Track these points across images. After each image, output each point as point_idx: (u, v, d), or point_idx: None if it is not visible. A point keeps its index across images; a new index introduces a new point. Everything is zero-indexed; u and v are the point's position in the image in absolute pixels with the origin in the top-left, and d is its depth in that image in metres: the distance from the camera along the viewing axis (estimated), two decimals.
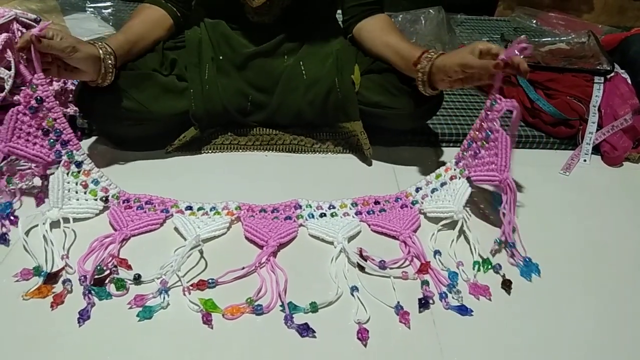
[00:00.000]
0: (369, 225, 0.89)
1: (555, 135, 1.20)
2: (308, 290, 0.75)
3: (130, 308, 0.71)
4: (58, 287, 0.73)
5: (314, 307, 0.72)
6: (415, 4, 1.67)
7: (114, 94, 0.95)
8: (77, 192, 0.88)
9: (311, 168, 1.06)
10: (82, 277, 0.74)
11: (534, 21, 1.90)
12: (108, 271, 0.75)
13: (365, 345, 0.68)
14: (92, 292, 0.72)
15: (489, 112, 0.89)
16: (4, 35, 0.92)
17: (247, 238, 0.85)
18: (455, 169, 0.95)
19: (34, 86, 0.84)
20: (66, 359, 0.64)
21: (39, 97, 0.85)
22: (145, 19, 1.04)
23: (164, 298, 0.72)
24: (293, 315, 0.70)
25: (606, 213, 0.98)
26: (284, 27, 1.08)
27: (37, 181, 0.92)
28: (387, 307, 0.73)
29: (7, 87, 0.92)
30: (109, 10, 1.75)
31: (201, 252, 0.80)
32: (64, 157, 0.89)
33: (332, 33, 1.12)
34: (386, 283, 0.77)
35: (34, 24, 1.01)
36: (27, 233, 0.81)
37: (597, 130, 1.17)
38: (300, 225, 0.88)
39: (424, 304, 0.73)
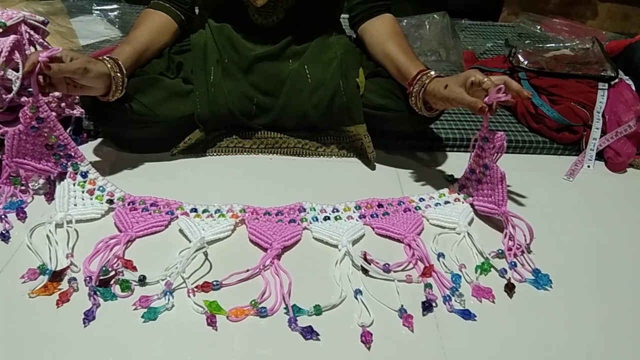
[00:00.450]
0: (373, 229, 0.89)
1: (559, 141, 1.20)
2: (312, 293, 0.75)
3: (135, 309, 0.71)
4: (64, 285, 0.73)
5: (317, 310, 0.72)
6: (420, 9, 1.68)
7: (121, 96, 0.96)
8: (83, 199, 0.90)
9: (315, 171, 1.07)
10: (88, 278, 0.74)
11: (538, 27, 1.91)
12: (113, 272, 0.76)
13: (368, 349, 0.68)
14: (98, 293, 0.72)
15: (482, 147, 0.90)
16: (12, 37, 0.92)
17: (251, 241, 0.85)
18: (459, 194, 0.97)
19: (34, 108, 0.84)
20: (71, 359, 0.64)
21: (39, 118, 0.85)
22: (151, 27, 1.04)
23: (169, 299, 0.72)
24: (297, 318, 0.71)
25: (610, 219, 0.98)
26: (288, 30, 1.09)
27: (42, 180, 0.93)
28: (391, 310, 0.73)
29: (15, 88, 0.92)
30: (115, 13, 1.76)
31: (206, 254, 0.80)
32: (70, 169, 0.91)
33: (336, 36, 1.12)
34: (390, 286, 0.77)
35: (42, 26, 1.02)
36: (31, 233, 0.81)
37: (601, 136, 1.17)
38: (305, 228, 0.88)
39: (427, 307, 0.74)
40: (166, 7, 1.07)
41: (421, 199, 0.97)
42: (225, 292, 0.75)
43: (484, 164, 0.91)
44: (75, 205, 0.88)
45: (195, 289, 0.74)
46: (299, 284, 0.76)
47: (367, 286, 0.77)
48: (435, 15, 1.61)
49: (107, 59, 0.91)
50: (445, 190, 0.99)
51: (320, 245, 0.86)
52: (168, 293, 0.73)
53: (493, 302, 0.76)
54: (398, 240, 0.87)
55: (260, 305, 0.72)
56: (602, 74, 1.26)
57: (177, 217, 0.88)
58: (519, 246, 0.85)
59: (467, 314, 0.74)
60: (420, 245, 0.84)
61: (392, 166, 1.09)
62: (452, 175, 1.06)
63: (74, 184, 0.91)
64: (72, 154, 0.91)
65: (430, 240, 0.87)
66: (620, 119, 1.18)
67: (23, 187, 0.91)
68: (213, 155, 1.09)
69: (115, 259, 0.78)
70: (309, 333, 0.69)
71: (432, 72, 0.95)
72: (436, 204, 0.96)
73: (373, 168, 1.09)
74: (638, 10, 2.16)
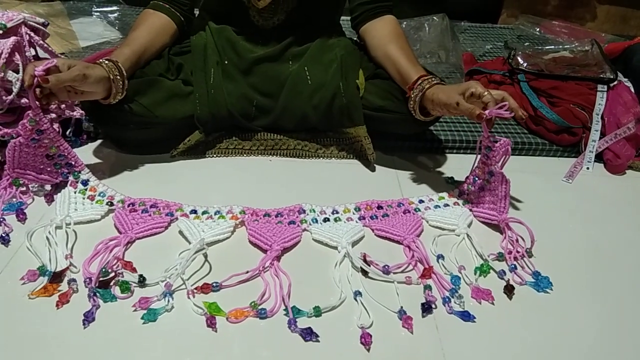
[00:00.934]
0: (373, 230, 0.89)
1: (558, 143, 1.20)
2: (312, 294, 0.75)
3: (135, 310, 0.71)
4: (63, 287, 0.73)
5: (317, 312, 0.72)
6: (419, 11, 1.68)
7: (121, 98, 0.96)
8: (83, 205, 0.90)
9: (315, 173, 1.07)
10: (87, 280, 0.74)
11: (538, 29, 1.91)
12: (113, 274, 0.76)
13: (368, 350, 0.68)
14: (97, 294, 0.72)
15: (487, 155, 0.91)
16: (13, 38, 0.92)
17: (251, 242, 0.85)
18: (458, 199, 0.98)
19: (33, 121, 0.84)
20: None
21: (39, 130, 0.86)
22: (150, 28, 1.04)
23: (169, 301, 0.72)
24: (296, 319, 0.71)
25: (609, 221, 0.99)
26: (289, 32, 1.09)
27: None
28: (391, 311, 0.73)
29: (15, 90, 0.93)
30: (115, 15, 1.76)
31: (205, 255, 0.80)
32: (71, 178, 0.92)
33: (336, 38, 1.12)
34: (389, 288, 0.77)
35: (42, 27, 1.02)
36: (30, 234, 0.81)
37: (600, 138, 1.17)
38: (304, 229, 0.88)
39: (426, 308, 0.74)
40: (165, 8, 1.07)
41: (421, 201, 0.97)
42: (225, 293, 0.75)
43: (489, 171, 0.91)
44: (76, 209, 0.89)
45: (195, 291, 0.74)
46: (298, 285, 0.76)
47: (366, 288, 0.77)
48: (434, 17, 1.61)
49: (106, 61, 0.91)
50: (445, 194, 1.00)
51: (319, 246, 0.86)
52: (168, 294, 0.73)
53: (492, 303, 0.77)
54: (397, 242, 0.87)
55: (259, 307, 0.72)
56: (601, 76, 1.26)
57: (176, 219, 0.88)
58: (518, 251, 0.85)
59: (466, 316, 0.74)
60: (419, 246, 0.85)
61: (391, 168, 1.10)
62: (452, 178, 1.06)
63: (75, 192, 0.91)
64: (73, 162, 0.92)
65: (430, 242, 0.87)
66: (620, 121, 1.18)
67: (23, 189, 0.91)
68: (213, 156, 1.09)
69: (115, 261, 0.78)
70: (308, 334, 0.69)
71: (433, 78, 0.95)
72: (435, 206, 0.96)
73: (373, 170, 1.09)
74: (637, 13, 2.17)
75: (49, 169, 0.91)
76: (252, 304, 0.72)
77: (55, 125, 0.96)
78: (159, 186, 0.97)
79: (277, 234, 0.85)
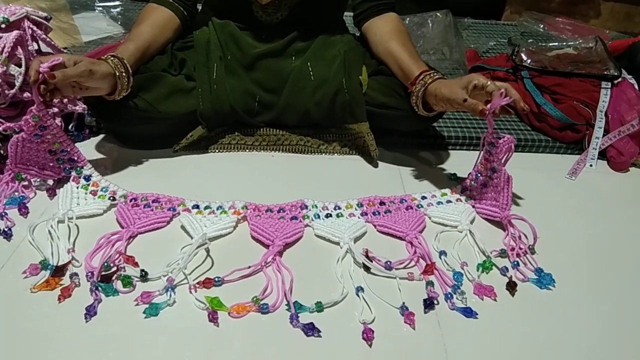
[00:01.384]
0: (375, 226, 0.89)
1: (562, 140, 1.19)
2: (313, 290, 0.75)
3: (137, 305, 0.71)
4: (65, 281, 0.73)
5: (319, 307, 0.72)
6: (423, 7, 1.67)
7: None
8: (86, 200, 0.90)
9: (317, 169, 1.06)
10: (89, 274, 0.74)
11: (541, 26, 1.90)
12: (115, 268, 0.76)
13: (370, 346, 0.68)
14: (99, 288, 0.72)
15: (490, 152, 0.90)
16: (15, 32, 0.92)
17: (253, 237, 0.85)
18: (461, 195, 0.98)
19: (36, 117, 0.84)
20: (73, 354, 0.64)
21: (42, 126, 0.86)
22: (153, 23, 1.04)
23: (170, 295, 0.72)
24: (298, 315, 0.71)
25: (612, 218, 0.98)
26: (292, 27, 1.09)
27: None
28: (393, 307, 0.73)
29: (18, 84, 0.93)
30: (118, 9, 1.76)
31: (207, 250, 0.80)
32: (73, 173, 0.92)
33: (339, 34, 1.12)
34: (392, 284, 0.77)
35: (45, 22, 1.01)
36: (32, 229, 0.81)
37: (604, 135, 1.17)
38: (306, 225, 0.88)
39: (429, 304, 0.74)
40: (169, 2, 1.07)
41: (423, 197, 0.97)
42: (227, 288, 0.75)
43: (491, 167, 0.91)
44: (78, 204, 0.89)
45: (197, 285, 0.74)
46: (300, 280, 0.76)
47: (368, 283, 0.77)
48: (438, 14, 1.60)
49: (112, 57, 0.91)
50: (448, 190, 0.99)
51: (322, 242, 0.86)
52: (170, 289, 0.73)
53: (495, 300, 0.76)
54: (400, 238, 0.87)
55: (261, 302, 0.72)
56: (605, 73, 1.25)
57: (179, 214, 0.88)
58: (521, 247, 0.85)
59: (468, 312, 0.74)
60: (422, 243, 0.84)
61: (394, 164, 1.09)
62: (455, 174, 1.05)
63: (77, 187, 0.91)
64: (75, 158, 0.92)
65: (432, 238, 0.87)
66: (623, 118, 1.18)
67: (25, 183, 0.91)
68: (215, 152, 1.09)
69: (117, 255, 0.78)
70: (310, 330, 0.69)
71: (435, 73, 0.95)
72: (438, 203, 0.96)
73: (375, 166, 1.09)
74: None
75: (51, 164, 0.91)
76: (254, 299, 0.72)
77: (58, 120, 0.95)
78: (161, 181, 0.97)
79: (280, 229, 0.85)
